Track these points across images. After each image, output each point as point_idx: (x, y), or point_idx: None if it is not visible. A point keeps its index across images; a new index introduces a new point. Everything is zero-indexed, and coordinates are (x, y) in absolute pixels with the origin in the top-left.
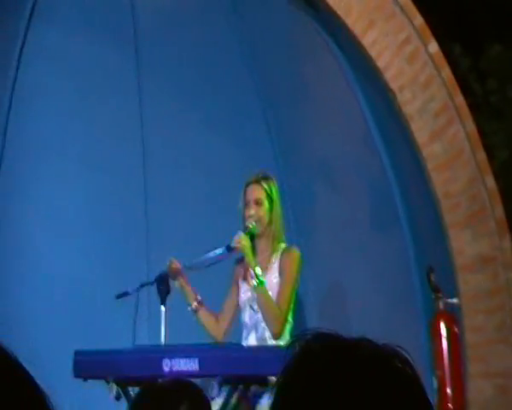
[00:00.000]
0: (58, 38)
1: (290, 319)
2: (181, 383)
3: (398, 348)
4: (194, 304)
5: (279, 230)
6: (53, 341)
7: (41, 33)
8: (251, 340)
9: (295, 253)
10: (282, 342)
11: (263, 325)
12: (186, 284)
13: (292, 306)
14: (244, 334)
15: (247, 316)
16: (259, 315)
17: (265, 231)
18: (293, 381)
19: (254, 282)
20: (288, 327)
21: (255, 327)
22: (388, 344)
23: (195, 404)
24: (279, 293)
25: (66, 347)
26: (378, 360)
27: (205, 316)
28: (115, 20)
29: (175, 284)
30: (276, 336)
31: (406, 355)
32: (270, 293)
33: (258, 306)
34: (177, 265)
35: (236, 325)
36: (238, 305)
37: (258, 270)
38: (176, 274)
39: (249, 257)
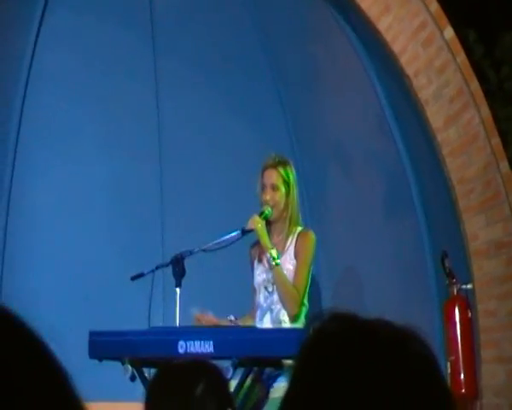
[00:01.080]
0: (74, 22)
1: (305, 301)
2: (198, 363)
3: (416, 330)
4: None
5: (295, 214)
6: (69, 321)
7: (57, 17)
8: (266, 321)
9: (310, 236)
10: (297, 325)
11: (278, 306)
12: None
13: (307, 288)
14: (258, 315)
15: (261, 297)
16: (274, 297)
17: (281, 215)
18: (309, 362)
19: (271, 263)
20: (303, 310)
21: (270, 309)
22: (406, 326)
23: (213, 382)
24: (295, 275)
25: (82, 327)
26: (396, 341)
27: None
28: (131, 2)
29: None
30: (294, 318)
31: (424, 338)
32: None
33: (276, 287)
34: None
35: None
36: None
37: (274, 252)
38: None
39: (264, 239)
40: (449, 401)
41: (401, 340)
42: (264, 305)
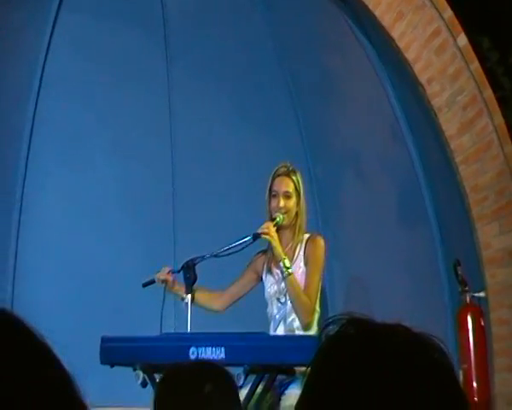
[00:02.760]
0: (87, 28)
1: (318, 308)
2: (205, 365)
3: (434, 338)
4: (187, 296)
5: (303, 223)
6: (80, 327)
7: (70, 21)
8: (279, 332)
9: (320, 241)
10: (311, 332)
11: (291, 316)
12: (175, 285)
13: (319, 295)
14: (272, 326)
15: (274, 309)
16: (288, 307)
17: (291, 223)
18: (327, 366)
19: (285, 273)
20: (315, 317)
21: (283, 319)
22: (424, 332)
23: (220, 385)
24: (307, 283)
25: (94, 333)
26: (415, 346)
27: (202, 296)
28: (144, 7)
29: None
30: (307, 327)
31: (442, 345)
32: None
33: (289, 296)
34: (165, 276)
35: (263, 317)
36: (248, 289)
37: (287, 261)
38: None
39: (279, 249)
40: None
41: (420, 345)
42: (277, 316)
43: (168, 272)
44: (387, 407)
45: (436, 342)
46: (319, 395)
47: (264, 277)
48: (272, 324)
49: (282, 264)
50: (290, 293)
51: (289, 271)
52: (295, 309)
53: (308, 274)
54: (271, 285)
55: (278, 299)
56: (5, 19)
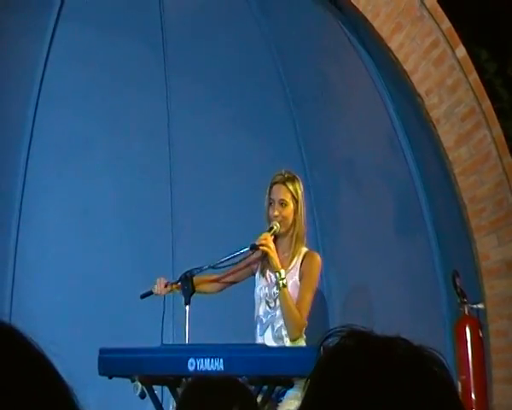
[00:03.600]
0: (85, 37)
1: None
2: (232, 382)
3: (434, 351)
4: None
5: (302, 231)
6: (79, 338)
7: (68, 32)
8: (267, 337)
9: (317, 258)
10: (299, 343)
11: (280, 323)
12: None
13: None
14: (258, 329)
15: (261, 310)
16: (276, 313)
17: (288, 231)
18: (326, 379)
19: (279, 283)
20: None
21: (271, 324)
22: (423, 345)
23: (247, 403)
24: (299, 299)
25: (93, 344)
26: (414, 360)
27: (199, 287)
28: (143, 17)
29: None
30: (294, 341)
31: (441, 359)
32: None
33: (281, 309)
34: (165, 291)
35: (250, 321)
36: (242, 280)
37: (283, 273)
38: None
39: (275, 261)
40: None
41: (419, 359)
42: (264, 320)
43: (166, 286)
44: None
45: (435, 355)
46: (319, 408)
47: (256, 275)
48: (259, 326)
49: (277, 274)
50: (283, 306)
51: (284, 282)
52: (286, 322)
53: (301, 289)
54: (263, 287)
55: (267, 302)
56: (4, 26)
